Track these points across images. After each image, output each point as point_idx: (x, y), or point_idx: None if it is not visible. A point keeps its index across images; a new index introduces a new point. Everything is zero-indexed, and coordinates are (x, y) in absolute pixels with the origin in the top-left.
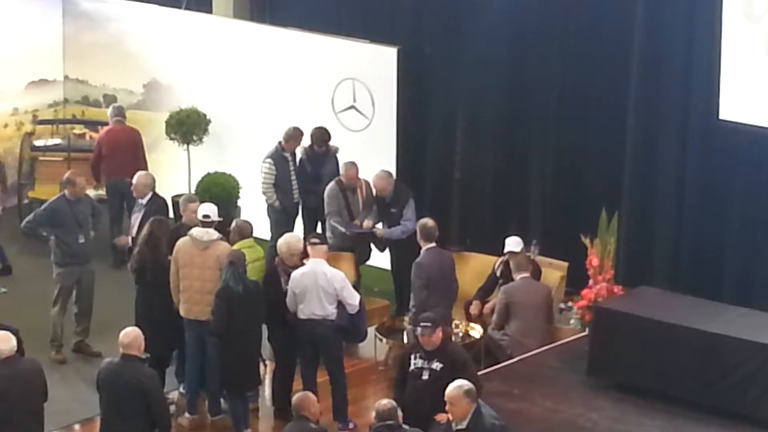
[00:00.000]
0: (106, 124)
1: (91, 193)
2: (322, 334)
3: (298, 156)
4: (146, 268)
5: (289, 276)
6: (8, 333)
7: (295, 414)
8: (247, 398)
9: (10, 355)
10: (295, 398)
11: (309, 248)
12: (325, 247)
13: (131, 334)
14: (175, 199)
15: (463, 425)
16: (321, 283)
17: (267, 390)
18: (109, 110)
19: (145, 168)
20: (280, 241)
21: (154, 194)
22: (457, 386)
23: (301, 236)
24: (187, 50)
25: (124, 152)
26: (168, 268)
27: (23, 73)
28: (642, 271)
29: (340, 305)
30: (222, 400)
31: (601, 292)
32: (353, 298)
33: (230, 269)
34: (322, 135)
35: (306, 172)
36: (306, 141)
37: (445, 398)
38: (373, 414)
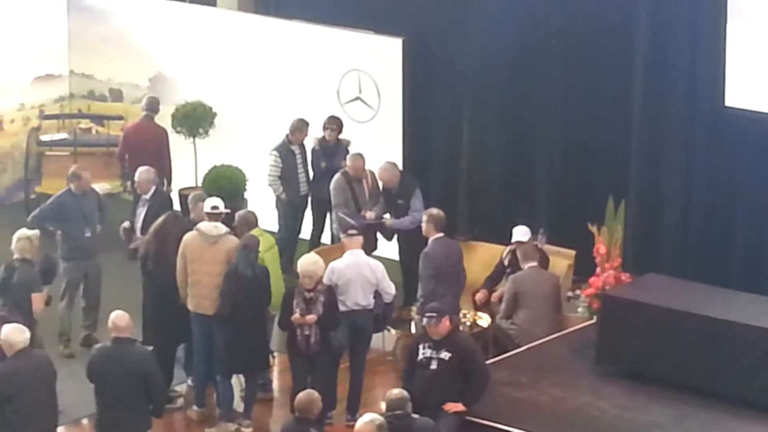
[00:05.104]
0: (112, 118)
1: (98, 187)
2: (363, 324)
3: (311, 148)
4: (148, 257)
5: (304, 299)
6: (21, 325)
7: (296, 412)
8: (231, 385)
9: (23, 347)
10: (300, 396)
11: (346, 240)
12: (361, 238)
13: (125, 318)
14: (182, 192)
15: None
16: (366, 274)
17: (276, 382)
18: (143, 101)
19: (169, 167)
20: (302, 261)
21: (158, 189)
22: (368, 421)
23: (310, 230)
24: (192, 43)
25: (149, 153)
26: (171, 263)
27: (29, 69)
28: (649, 258)
29: (377, 294)
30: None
31: (609, 280)
32: (391, 288)
33: (243, 252)
34: (333, 120)
35: (319, 165)
36: (319, 132)
37: None
38: (384, 404)
